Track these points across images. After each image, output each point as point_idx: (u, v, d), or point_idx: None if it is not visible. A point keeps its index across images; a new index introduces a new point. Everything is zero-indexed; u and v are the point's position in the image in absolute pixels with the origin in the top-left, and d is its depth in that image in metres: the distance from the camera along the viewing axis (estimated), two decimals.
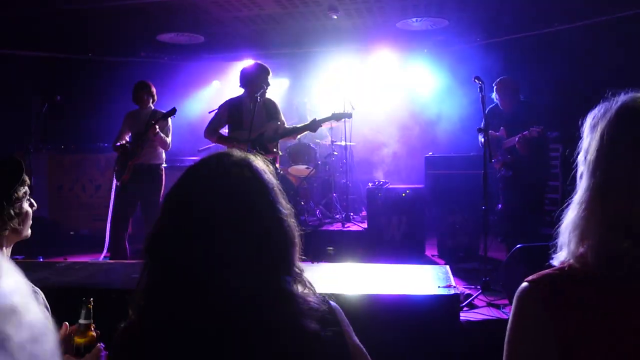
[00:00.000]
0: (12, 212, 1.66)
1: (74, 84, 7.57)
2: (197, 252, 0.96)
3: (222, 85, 8.64)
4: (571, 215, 1.01)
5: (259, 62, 4.93)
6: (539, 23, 6.92)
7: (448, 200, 5.71)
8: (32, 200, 1.77)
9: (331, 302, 1.10)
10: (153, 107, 5.32)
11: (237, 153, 1.09)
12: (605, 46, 6.02)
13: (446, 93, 7.42)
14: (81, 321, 1.51)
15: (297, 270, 1.06)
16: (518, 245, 3.86)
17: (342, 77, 7.83)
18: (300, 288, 1.05)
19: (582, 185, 1.01)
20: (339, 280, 2.84)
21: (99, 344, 1.52)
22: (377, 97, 8.22)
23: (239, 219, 0.99)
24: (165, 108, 5.13)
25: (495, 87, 4.84)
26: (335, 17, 6.57)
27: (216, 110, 4.99)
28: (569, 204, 1.03)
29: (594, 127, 1.03)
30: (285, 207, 1.06)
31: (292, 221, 1.07)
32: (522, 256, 3.68)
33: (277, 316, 0.98)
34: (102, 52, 8.12)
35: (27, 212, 1.73)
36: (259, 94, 4.54)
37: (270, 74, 4.77)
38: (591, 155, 1.00)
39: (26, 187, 1.72)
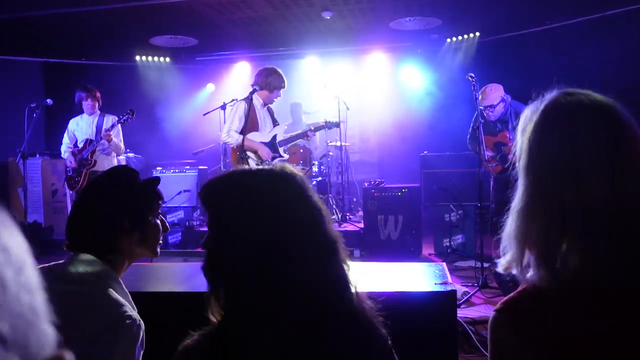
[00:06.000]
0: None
1: (67, 88, 7.53)
2: (270, 274, 0.99)
3: (217, 88, 8.63)
4: (511, 221, 0.97)
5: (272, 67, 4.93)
6: (532, 21, 6.94)
7: (444, 199, 5.72)
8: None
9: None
10: (99, 112, 5.35)
11: (284, 172, 1.10)
12: (599, 43, 6.02)
13: (440, 92, 7.43)
14: None
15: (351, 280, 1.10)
16: None
17: (336, 78, 7.82)
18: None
19: (518, 189, 0.98)
20: None
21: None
22: (371, 97, 8.23)
23: (304, 239, 1.02)
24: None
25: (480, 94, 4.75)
26: (328, 18, 6.57)
27: (229, 111, 5.00)
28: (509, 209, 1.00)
29: (523, 129, 1.00)
30: (328, 213, 1.10)
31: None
32: None
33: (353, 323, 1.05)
34: (95, 57, 8.09)
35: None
36: (250, 94, 4.61)
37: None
38: (524, 158, 0.97)
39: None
